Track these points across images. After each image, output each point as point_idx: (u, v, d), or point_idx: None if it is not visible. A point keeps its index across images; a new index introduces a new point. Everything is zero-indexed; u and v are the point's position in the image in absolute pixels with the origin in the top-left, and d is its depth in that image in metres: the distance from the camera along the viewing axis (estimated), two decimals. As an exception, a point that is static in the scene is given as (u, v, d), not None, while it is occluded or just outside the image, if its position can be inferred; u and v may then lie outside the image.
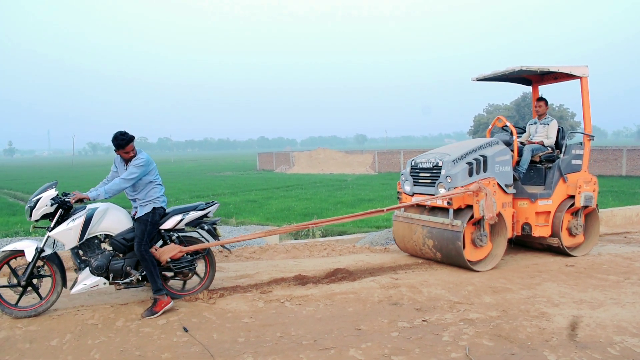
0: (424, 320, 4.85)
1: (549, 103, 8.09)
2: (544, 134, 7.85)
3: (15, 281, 5.13)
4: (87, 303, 5.57)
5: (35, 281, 5.23)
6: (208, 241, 5.94)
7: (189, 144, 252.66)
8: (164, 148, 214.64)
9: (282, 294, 5.76)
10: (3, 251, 5.11)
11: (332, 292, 5.83)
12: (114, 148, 5.36)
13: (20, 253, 5.11)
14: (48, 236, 5.16)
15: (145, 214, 5.41)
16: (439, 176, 6.90)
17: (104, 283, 5.30)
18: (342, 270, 6.71)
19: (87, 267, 5.26)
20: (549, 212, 7.34)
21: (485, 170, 6.86)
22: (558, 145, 7.82)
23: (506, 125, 7.78)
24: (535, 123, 8.08)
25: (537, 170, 7.81)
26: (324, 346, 4.29)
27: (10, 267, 5.15)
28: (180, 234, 5.77)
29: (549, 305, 5.24)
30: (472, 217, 6.58)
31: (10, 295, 5.32)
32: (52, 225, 5.14)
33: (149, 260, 5.30)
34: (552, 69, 7.43)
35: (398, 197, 7.81)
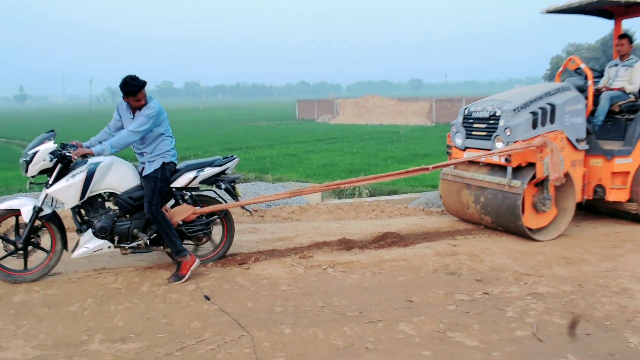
0: (485, 293, 4.86)
1: (634, 41, 7.65)
2: (626, 78, 7.41)
3: (10, 245, 5.22)
4: (109, 266, 5.78)
5: (30, 248, 5.28)
6: (226, 201, 5.94)
7: (219, 90, 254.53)
8: (192, 94, 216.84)
9: (325, 260, 5.85)
10: None
11: (381, 258, 5.88)
12: (122, 95, 5.32)
13: (17, 212, 5.17)
14: (46, 194, 5.19)
15: (155, 170, 5.39)
16: (496, 128, 6.68)
17: (109, 247, 5.35)
18: (393, 234, 6.75)
19: (90, 229, 5.31)
20: (628, 172, 7.00)
21: (552, 121, 6.61)
22: None
23: (580, 68, 7.34)
24: (615, 65, 7.66)
25: (615, 122, 7.37)
26: (371, 318, 4.36)
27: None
28: (194, 192, 5.78)
29: (632, 280, 5.16)
30: (534, 177, 6.41)
31: (7, 260, 5.33)
32: (50, 182, 5.17)
33: (163, 220, 5.34)
34: None
35: (447, 152, 7.68)
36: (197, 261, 5.42)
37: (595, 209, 7.90)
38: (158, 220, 5.34)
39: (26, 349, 3.97)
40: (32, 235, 5.25)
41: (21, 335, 4.20)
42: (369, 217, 8.41)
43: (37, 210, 5.16)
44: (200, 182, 5.72)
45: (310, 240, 6.73)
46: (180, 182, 5.59)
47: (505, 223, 6.67)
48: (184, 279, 5.24)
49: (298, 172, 14.60)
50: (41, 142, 5.18)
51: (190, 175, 5.61)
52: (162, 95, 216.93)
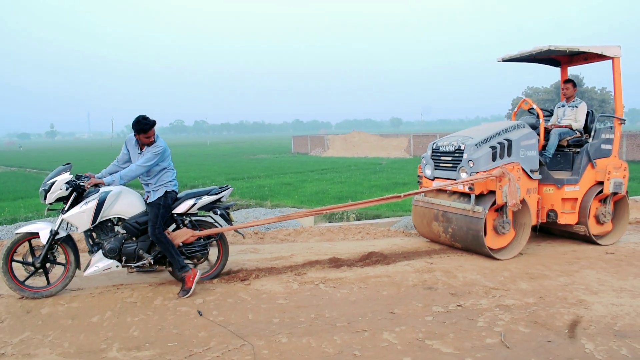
0: (458, 305, 4.83)
1: (581, 85, 7.77)
2: (572, 117, 7.55)
3: (29, 266, 5.18)
4: (127, 282, 5.73)
5: (48, 265, 5.26)
6: (221, 226, 5.93)
7: (224, 127, 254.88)
8: (200, 131, 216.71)
9: (317, 276, 5.81)
10: (17, 233, 5.16)
11: (367, 275, 5.85)
12: (134, 132, 5.35)
13: (35, 235, 5.15)
14: (62, 219, 5.20)
15: (158, 198, 5.41)
16: (461, 160, 6.72)
17: (117, 266, 5.32)
18: (377, 253, 6.71)
19: (100, 250, 5.30)
20: (576, 198, 7.09)
21: (509, 154, 6.65)
22: (587, 129, 7.51)
23: (532, 108, 7.50)
24: (563, 106, 7.77)
25: (564, 155, 7.52)
26: (358, 329, 4.32)
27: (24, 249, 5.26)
28: (193, 218, 5.76)
29: (587, 293, 5.15)
30: (494, 203, 6.42)
31: (23, 275, 5.32)
32: (66, 208, 5.19)
33: (166, 242, 5.34)
34: (582, 49, 7.14)
35: (418, 182, 7.68)
36: (199, 273, 5.40)
37: (549, 231, 7.99)
38: (161, 242, 5.33)
39: (52, 357, 3.92)
40: (48, 255, 5.23)
41: (48, 343, 4.15)
42: (356, 239, 8.38)
43: (54, 234, 5.15)
44: (199, 209, 5.72)
45: (304, 259, 6.69)
46: (180, 208, 5.60)
47: (473, 249, 6.69)
48: (190, 292, 5.21)
49: (293, 199, 14.54)
50: (59, 174, 5.23)
51: (189, 202, 5.62)
52: (174, 132, 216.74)
